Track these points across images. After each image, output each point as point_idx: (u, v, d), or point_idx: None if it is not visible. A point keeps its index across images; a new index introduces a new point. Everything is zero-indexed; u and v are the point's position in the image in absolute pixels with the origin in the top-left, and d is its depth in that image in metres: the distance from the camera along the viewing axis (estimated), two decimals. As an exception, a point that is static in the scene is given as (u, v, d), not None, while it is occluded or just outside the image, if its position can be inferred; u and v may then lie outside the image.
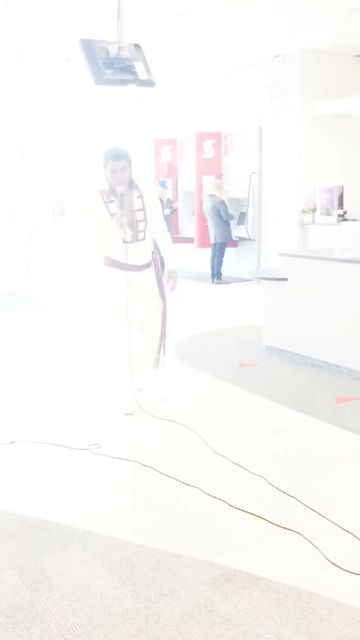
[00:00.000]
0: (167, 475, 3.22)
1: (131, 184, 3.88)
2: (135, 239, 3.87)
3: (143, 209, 3.88)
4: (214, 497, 2.99)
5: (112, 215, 3.81)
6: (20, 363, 5.49)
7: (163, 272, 4.14)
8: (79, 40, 4.01)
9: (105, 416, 4.13)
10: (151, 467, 3.31)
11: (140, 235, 3.89)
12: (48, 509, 2.92)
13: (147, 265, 4.03)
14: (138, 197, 3.88)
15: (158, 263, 4.11)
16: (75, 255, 9.00)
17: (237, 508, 2.88)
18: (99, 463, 3.43)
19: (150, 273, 4.06)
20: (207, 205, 9.58)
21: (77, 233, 8.79)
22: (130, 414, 4.09)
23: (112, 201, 3.83)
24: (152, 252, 4.07)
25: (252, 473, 3.24)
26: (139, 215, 3.87)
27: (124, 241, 3.84)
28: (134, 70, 4.11)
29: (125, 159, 3.82)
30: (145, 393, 4.27)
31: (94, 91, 7.59)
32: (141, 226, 3.89)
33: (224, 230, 9.50)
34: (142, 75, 4.15)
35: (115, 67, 4.04)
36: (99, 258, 4.08)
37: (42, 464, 3.44)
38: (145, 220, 3.89)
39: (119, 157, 3.80)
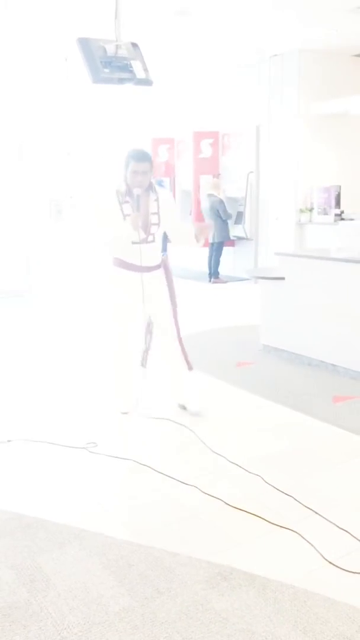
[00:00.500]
0: (163, 474, 3.22)
1: (149, 187, 3.85)
2: (144, 241, 3.84)
3: (157, 213, 3.86)
4: (211, 495, 2.99)
5: (124, 216, 3.78)
6: (18, 362, 5.48)
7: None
8: (77, 39, 4.00)
9: (102, 415, 4.13)
10: (148, 466, 3.31)
11: (150, 238, 3.87)
12: (45, 508, 2.92)
13: (157, 267, 3.98)
14: (154, 200, 3.86)
15: (168, 264, 4.07)
16: (74, 254, 9.01)
17: (234, 507, 2.89)
18: (96, 462, 3.43)
19: (159, 274, 4.00)
20: (205, 204, 9.58)
21: (84, 230, 8.80)
22: (126, 413, 4.08)
23: (126, 202, 3.79)
24: (162, 253, 4.04)
25: (249, 472, 3.24)
26: (153, 219, 3.85)
27: (133, 242, 3.81)
28: (131, 69, 4.10)
29: (148, 162, 3.78)
30: (187, 409, 4.13)
31: (91, 90, 7.59)
32: (153, 229, 3.86)
33: (222, 229, 9.51)
34: (140, 74, 4.14)
35: (112, 65, 4.03)
36: (107, 258, 4.04)
37: (38, 463, 3.44)
38: (158, 224, 3.87)
39: (142, 160, 3.76)
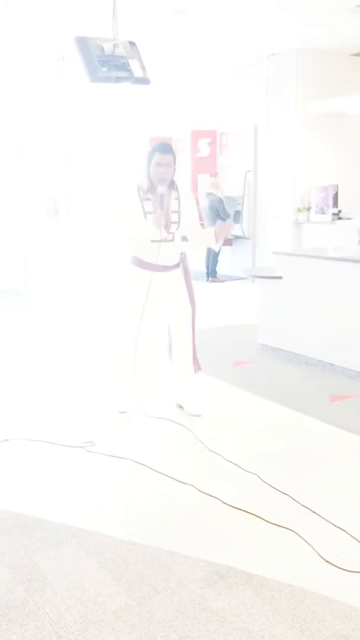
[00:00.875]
0: (161, 473, 3.22)
1: (172, 185, 3.83)
2: (164, 239, 3.81)
3: (178, 211, 3.84)
4: (208, 494, 2.99)
5: (145, 213, 3.75)
6: (15, 361, 5.48)
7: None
8: (74, 38, 3.99)
9: (99, 414, 4.13)
10: (145, 465, 3.32)
11: (170, 237, 3.84)
12: (42, 507, 2.92)
13: (175, 266, 3.94)
14: (175, 199, 3.84)
15: (187, 265, 4.03)
16: (71, 253, 9.00)
17: (231, 506, 2.89)
18: (94, 461, 3.42)
19: (178, 274, 3.95)
20: (204, 203, 9.58)
21: (85, 229, 8.80)
22: (124, 412, 4.07)
23: (148, 199, 3.76)
24: (181, 254, 3.99)
25: (246, 471, 3.25)
26: (174, 217, 3.83)
27: (153, 240, 3.77)
28: (129, 67, 4.09)
29: (171, 155, 3.76)
30: (184, 409, 4.14)
31: (89, 89, 7.58)
32: (173, 228, 3.82)
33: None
34: (138, 72, 4.14)
35: (110, 64, 4.02)
36: (125, 256, 4.00)
37: (36, 462, 3.43)
38: (178, 222, 3.84)
39: (166, 151, 3.73)
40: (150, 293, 3.81)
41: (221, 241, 4.02)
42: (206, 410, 4.13)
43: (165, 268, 3.86)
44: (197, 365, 4.13)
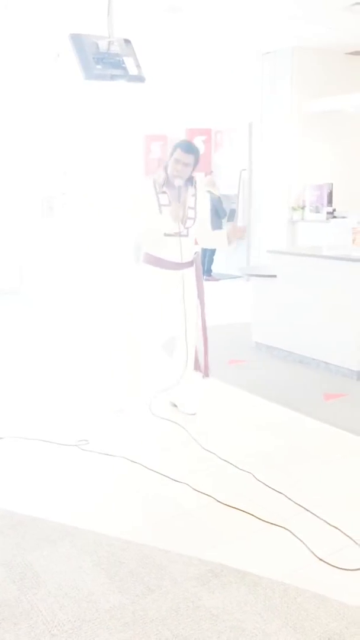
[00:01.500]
0: (155, 471, 3.22)
1: (190, 181, 3.81)
2: (179, 234, 3.79)
3: (194, 208, 3.83)
4: (202, 493, 2.99)
5: (160, 206, 3.72)
6: (9, 359, 5.46)
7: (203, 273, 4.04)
8: (69, 35, 3.98)
9: (93, 412, 4.12)
10: (139, 463, 3.32)
11: (184, 232, 3.82)
12: (36, 505, 2.92)
13: (189, 264, 3.92)
14: (192, 195, 3.83)
15: (200, 263, 4.03)
16: (66, 251, 8.98)
17: (225, 504, 2.89)
18: (87, 459, 3.42)
19: (191, 273, 3.95)
20: None
21: (82, 225, 8.76)
22: (121, 412, 4.05)
23: (164, 192, 3.73)
24: (195, 253, 3.98)
25: (240, 469, 3.25)
26: (190, 213, 3.81)
27: (166, 234, 3.75)
28: (124, 65, 4.08)
29: (193, 155, 3.71)
30: (177, 407, 4.14)
31: (83, 86, 7.56)
32: (189, 223, 3.81)
33: (216, 226, 9.49)
34: (132, 70, 4.13)
35: (105, 62, 4.00)
36: (141, 254, 3.95)
37: (30, 460, 3.43)
38: (194, 218, 3.82)
39: (189, 151, 3.70)
40: (163, 292, 3.80)
41: (234, 243, 4.01)
42: (200, 408, 4.13)
43: (176, 265, 3.82)
44: (207, 371, 4.11)
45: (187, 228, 3.81)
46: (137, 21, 6.73)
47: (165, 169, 3.76)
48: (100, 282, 8.20)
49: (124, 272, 4.31)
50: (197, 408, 4.11)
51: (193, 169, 3.77)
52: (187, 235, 3.82)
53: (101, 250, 8.66)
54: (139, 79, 4.18)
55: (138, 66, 4.15)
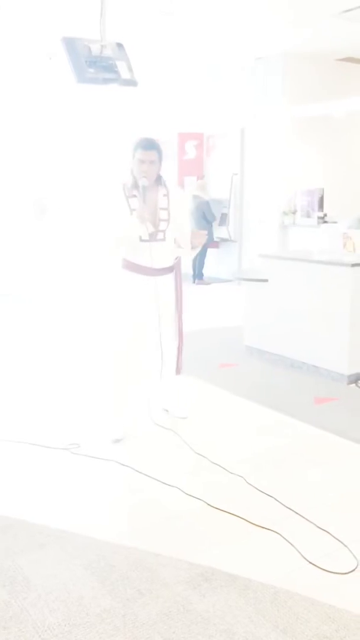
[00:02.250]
0: (146, 475, 3.22)
1: (159, 181, 3.64)
2: (154, 238, 3.58)
3: (167, 209, 3.62)
4: (193, 496, 2.99)
5: (131, 210, 3.55)
6: (0, 362, 5.45)
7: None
8: (62, 38, 3.98)
9: (84, 416, 4.11)
10: (130, 467, 3.31)
11: (160, 235, 3.60)
12: (26, 509, 2.90)
13: (169, 270, 3.73)
14: (164, 195, 3.63)
15: (180, 269, 3.82)
16: (58, 253, 8.96)
17: (215, 508, 2.89)
18: (78, 463, 3.41)
19: (170, 280, 3.76)
20: (191, 206, 9.59)
21: (68, 229, 8.74)
22: (119, 440, 3.70)
23: (134, 196, 3.55)
24: (175, 258, 3.77)
25: (231, 473, 3.25)
26: (163, 214, 3.61)
27: (141, 239, 3.57)
28: (116, 69, 4.09)
29: (155, 151, 3.56)
30: (169, 412, 4.06)
31: (76, 90, 7.56)
32: (163, 225, 3.60)
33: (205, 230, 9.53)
34: (125, 74, 4.13)
35: (97, 65, 4.01)
36: (116, 260, 3.77)
37: (20, 464, 3.41)
38: (168, 220, 3.62)
39: (149, 148, 3.54)
40: (148, 302, 3.63)
41: (197, 249, 3.82)
42: (191, 412, 4.13)
43: (158, 271, 3.65)
44: (179, 369, 3.94)
45: (162, 231, 3.61)
46: (130, 25, 6.75)
47: (131, 171, 3.59)
48: (83, 288, 8.18)
49: (102, 279, 4.15)
50: (188, 412, 4.10)
51: (160, 166, 3.63)
52: (163, 239, 3.62)
53: (88, 252, 8.64)
54: (132, 82, 4.19)
55: (130, 70, 4.16)
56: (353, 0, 6.19)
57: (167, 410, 4.13)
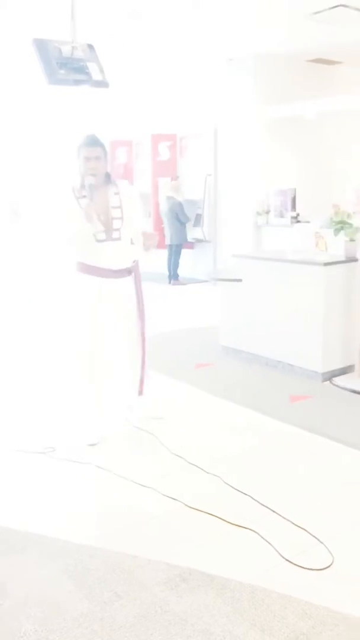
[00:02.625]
0: (122, 477, 3.21)
1: (108, 179, 3.62)
2: (109, 237, 3.55)
3: (120, 207, 3.58)
4: (170, 497, 3.00)
5: (82, 211, 3.51)
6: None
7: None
8: (32, 39, 3.96)
9: (60, 419, 4.08)
10: (107, 470, 3.30)
11: (115, 235, 3.56)
12: (2, 514, 2.88)
13: (127, 272, 3.67)
14: (115, 193, 3.60)
15: (138, 271, 3.74)
16: (32, 256, 8.89)
17: (192, 508, 2.90)
18: (55, 466, 3.39)
19: (129, 283, 3.70)
20: (164, 206, 9.61)
21: (44, 233, 8.67)
22: (94, 445, 3.66)
23: (84, 197, 3.52)
24: (133, 261, 3.71)
25: (207, 472, 3.26)
26: (115, 213, 3.57)
27: (97, 240, 3.55)
28: (87, 70, 4.07)
29: (99, 147, 3.55)
30: (136, 411, 3.97)
31: (48, 91, 7.51)
32: (117, 224, 3.56)
33: (179, 231, 9.56)
34: (96, 75, 4.12)
35: (68, 67, 3.98)
36: (70, 263, 3.72)
37: (-5, 469, 3.38)
38: (121, 218, 3.58)
39: (93, 144, 3.54)
40: (101, 303, 3.58)
41: (151, 249, 3.71)
42: (168, 413, 4.13)
43: (113, 273, 3.60)
44: (142, 388, 3.84)
45: (117, 229, 3.57)
46: (100, 26, 6.73)
47: (79, 171, 3.57)
48: (57, 289, 8.13)
49: (60, 281, 4.07)
50: (163, 412, 4.09)
51: (106, 163, 3.61)
52: (119, 238, 3.58)
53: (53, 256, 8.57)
54: (103, 84, 4.17)
55: (102, 71, 4.15)
56: (323, 2, 6.26)
57: (130, 408, 3.98)
